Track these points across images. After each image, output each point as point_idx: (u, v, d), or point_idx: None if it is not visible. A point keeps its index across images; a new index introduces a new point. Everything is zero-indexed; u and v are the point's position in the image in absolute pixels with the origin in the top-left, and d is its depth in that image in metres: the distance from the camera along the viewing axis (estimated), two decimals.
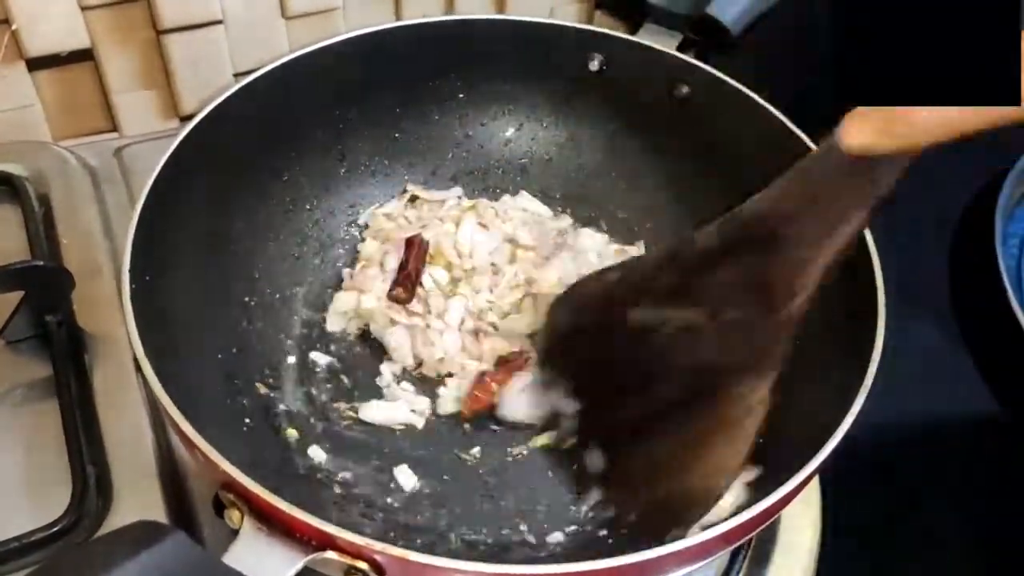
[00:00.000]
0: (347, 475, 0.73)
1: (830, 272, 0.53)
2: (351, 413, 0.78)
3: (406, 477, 0.74)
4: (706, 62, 0.85)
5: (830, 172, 0.49)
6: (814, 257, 0.52)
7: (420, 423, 0.78)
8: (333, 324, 0.83)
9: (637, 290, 0.62)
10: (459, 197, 0.90)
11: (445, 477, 0.75)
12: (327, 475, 0.73)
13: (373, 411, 0.78)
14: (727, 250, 0.56)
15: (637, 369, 0.62)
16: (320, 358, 0.81)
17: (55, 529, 0.67)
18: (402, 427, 0.77)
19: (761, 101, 0.80)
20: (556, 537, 0.71)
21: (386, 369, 0.81)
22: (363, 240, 0.88)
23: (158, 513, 0.70)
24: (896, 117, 0.44)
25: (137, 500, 0.71)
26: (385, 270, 0.83)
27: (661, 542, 0.54)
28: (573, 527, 0.71)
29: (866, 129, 0.46)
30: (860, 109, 0.46)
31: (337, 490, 0.72)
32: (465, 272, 0.84)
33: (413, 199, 0.90)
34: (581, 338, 0.68)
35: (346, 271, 0.85)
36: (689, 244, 0.58)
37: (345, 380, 0.80)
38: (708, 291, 0.56)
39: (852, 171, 0.48)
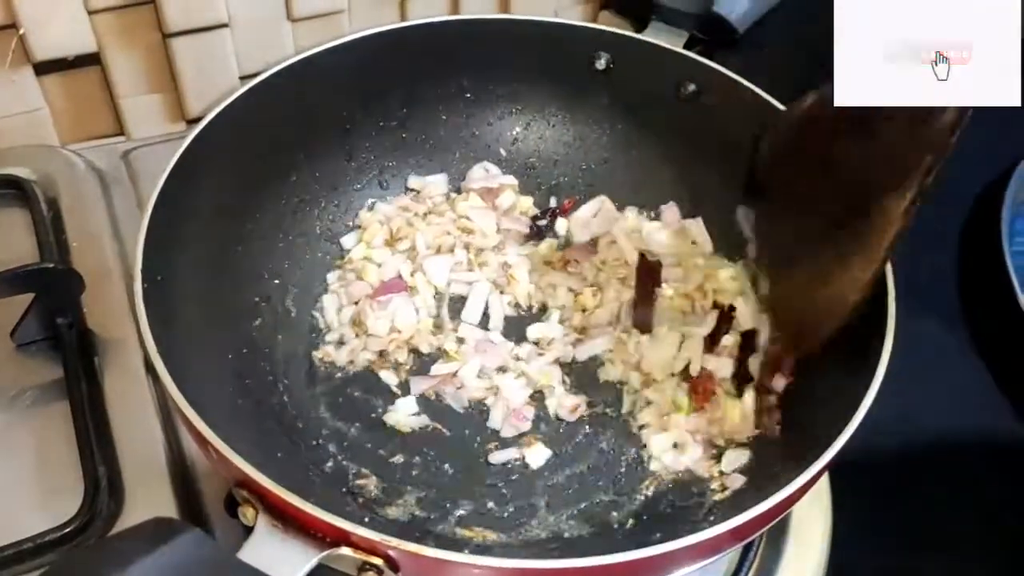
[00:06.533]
0: (359, 474, 0.73)
1: None
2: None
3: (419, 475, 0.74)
4: (712, 59, 0.85)
5: None
6: None
7: (433, 426, 0.78)
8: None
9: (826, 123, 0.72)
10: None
11: (458, 475, 0.75)
12: (339, 474, 0.73)
13: (389, 414, 0.78)
14: None
15: (815, 186, 0.73)
16: (329, 357, 0.81)
17: (68, 530, 0.67)
18: (415, 429, 0.77)
19: (768, 97, 0.80)
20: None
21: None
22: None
23: (169, 513, 0.70)
24: None
25: (148, 500, 0.71)
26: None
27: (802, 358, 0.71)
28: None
29: None
30: None
31: (348, 489, 0.72)
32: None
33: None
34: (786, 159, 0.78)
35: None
36: None
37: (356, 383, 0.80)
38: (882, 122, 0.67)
39: None
